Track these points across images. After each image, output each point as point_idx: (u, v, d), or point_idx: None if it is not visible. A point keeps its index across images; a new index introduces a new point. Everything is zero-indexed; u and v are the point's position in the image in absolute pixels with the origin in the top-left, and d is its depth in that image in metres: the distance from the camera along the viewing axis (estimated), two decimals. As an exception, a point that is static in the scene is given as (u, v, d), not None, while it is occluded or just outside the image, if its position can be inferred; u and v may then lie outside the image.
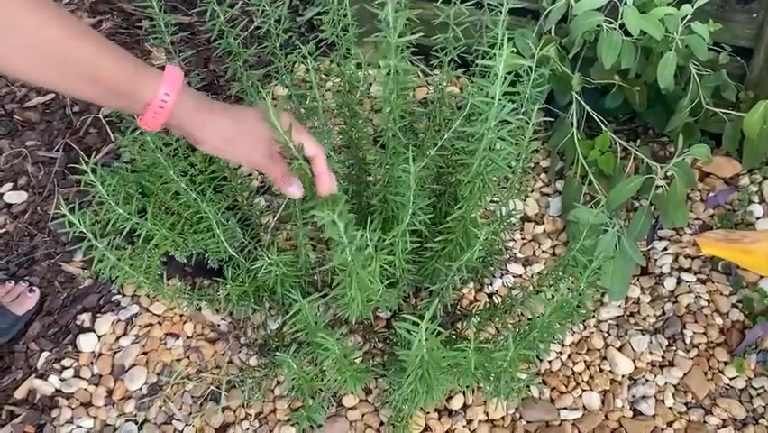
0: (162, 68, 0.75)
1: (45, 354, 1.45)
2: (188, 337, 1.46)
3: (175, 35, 1.10)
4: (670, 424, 1.30)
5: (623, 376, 1.36)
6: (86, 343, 1.45)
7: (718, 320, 1.41)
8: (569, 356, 1.39)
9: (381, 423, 1.32)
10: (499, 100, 0.80)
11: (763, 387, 1.33)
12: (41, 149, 1.81)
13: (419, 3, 1.36)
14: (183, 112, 0.77)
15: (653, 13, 1.35)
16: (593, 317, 1.43)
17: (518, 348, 0.98)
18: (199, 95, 0.79)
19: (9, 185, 1.74)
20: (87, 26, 0.72)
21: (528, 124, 1.02)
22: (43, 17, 0.65)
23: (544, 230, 1.58)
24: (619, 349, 1.39)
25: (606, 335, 1.42)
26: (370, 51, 1.11)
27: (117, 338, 1.46)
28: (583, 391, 1.35)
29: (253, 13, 1.96)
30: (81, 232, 1.01)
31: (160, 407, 1.37)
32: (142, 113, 0.75)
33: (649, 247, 1.52)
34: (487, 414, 1.32)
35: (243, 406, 1.35)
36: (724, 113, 1.47)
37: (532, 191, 1.63)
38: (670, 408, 1.32)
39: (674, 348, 1.38)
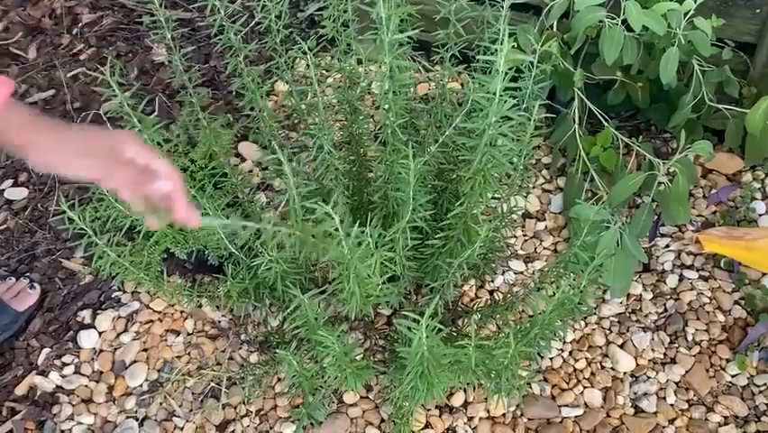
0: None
1: (46, 350, 1.45)
2: (189, 334, 1.45)
3: (175, 31, 1.10)
4: (671, 421, 1.30)
5: (624, 373, 1.36)
6: (87, 339, 1.45)
7: (720, 317, 1.40)
8: (570, 353, 1.39)
9: (382, 420, 1.32)
10: (500, 96, 0.79)
11: (765, 384, 1.32)
12: (42, 145, 1.81)
13: (420, -2, 1.34)
14: (8, 128, 0.73)
15: (656, 8, 1.34)
16: (595, 314, 1.43)
17: (519, 345, 0.98)
18: (30, 110, 0.76)
19: (9, 181, 1.74)
20: None
21: (530, 120, 1.01)
22: None
23: (546, 227, 1.57)
24: (621, 346, 1.39)
25: (607, 332, 1.41)
26: (371, 48, 1.11)
27: (118, 335, 1.46)
28: (585, 388, 1.34)
29: (254, 9, 1.96)
30: (82, 228, 1.01)
31: (161, 403, 1.37)
32: None
33: (651, 244, 1.51)
34: (488, 411, 1.32)
35: (244, 403, 1.35)
36: (726, 109, 1.47)
37: (533, 188, 1.62)
38: (671, 405, 1.31)
39: (676, 345, 1.38)
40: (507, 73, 0.78)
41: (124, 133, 0.80)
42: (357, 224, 0.86)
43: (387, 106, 0.95)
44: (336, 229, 0.83)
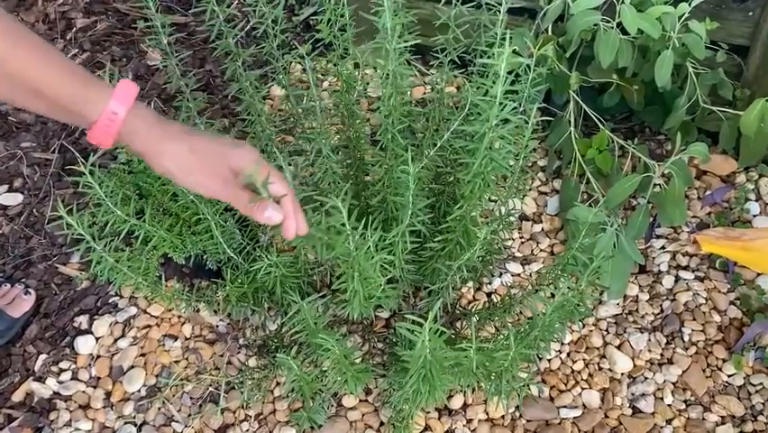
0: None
1: (42, 356, 1.44)
2: (187, 339, 1.45)
3: (171, 36, 1.10)
4: (669, 421, 1.30)
5: (622, 374, 1.36)
6: (84, 345, 1.44)
7: (716, 318, 1.41)
8: (568, 355, 1.39)
9: (381, 423, 1.32)
10: (500, 99, 0.80)
11: (761, 384, 1.33)
12: (37, 150, 1.80)
13: (416, 3, 1.36)
14: (134, 132, 0.72)
15: (651, 11, 1.35)
16: (592, 315, 1.44)
17: (519, 347, 0.98)
18: (156, 115, 0.75)
19: (4, 187, 1.73)
20: (36, 37, 0.69)
21: (527, 123, 1.02)
22: None
23: (543, 229, 1.58)
24: (618, 347, 1.39)
25: (605, 333, 1.42)
26: (367, 52, 1.11)
27: (115, 340, 1.45)
28: (583, 389, 1.35)
29: (249, 14, 1.96)
30: (79, 234, 1.00)
31: (159, 409, 1.36)
32: (92, 128, 0.72)
33: (647, 245, 1.52)
34: (487, 413, 1.32)
35: (243, 407, 1.35)
36: (721, 111, 1.48)
37: (530, 190, 1.63)
38: (669, 405, 1.32)
39: (673, 346, 1.39)
40: (506, 76, 0.79)
41: (245, 153, 0.77)
42: (362, 223, 0.87)
43: (387, 112, 0.96)
44: (343, 224, 0.83)
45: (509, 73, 0.81)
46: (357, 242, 0.86)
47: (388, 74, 0.90)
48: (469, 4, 1.03)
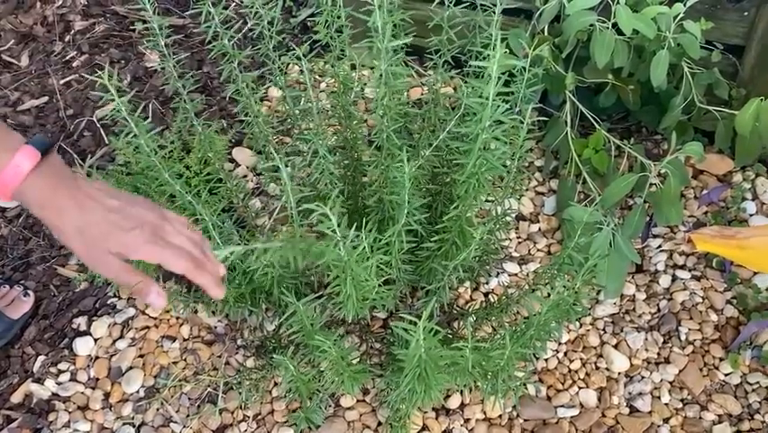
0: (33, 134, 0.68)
1: (41, 357, 1.44)
2: (185, 340, 1.45)
3: (168, 38, 1.10)
4: (666, 420, 1.31)
5: (619, 373, 1.37)
6: (83, 346, 1.45)
7: (713, 317, 1.41)
8: (565, 354, 1.40)
9: (379, 423, 1.32)
10: (493, 100, 0.80)
11: (757, 382, 1.33)
12: (35, 152, 1.80)
13: (413, 4, 1.36)
14: (32, 195, 0.67)
15: (646, 12, 1.35)
16: (589, 314, 1.44)
17: (515, 346, 0.99)
18: (58, 177, 0.69)
19: (3, 189, 1.73)
20: None
21: (522, 123, 1.02)
22: None
23: (540, 229, 1.58)
24: (615, 346, 1.40)
25: (601, 332, 1.42)
26: (364, 53, 1.11)
27: (113, 341, 1.46)
28: (580, 388, 1.35)
29: (246, 15, 1.96)
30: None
31: (158, 409, 1.37)
32: None
33: (644, 245, 1.53)
34: (484, 413, 1.33)
35: (241, 408, 1.35)
36: (716, 110, 1.48)
37: (527, 190, 1.63)
38: (666, 404, 1.32)
39: (670, 345, 1.39)
40: (499, 77, 0.79)
41: (131, 241, 0.71)
42: (353, 227, 0.87)
43: (382, 112, 0.96)
44: (333, 231, 0.83)
45: (505, 74, 0.82)
46: (347, 248, 0.86)
47: (381, 74, 0.91)
48: (462, 5, 1.03)
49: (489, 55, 0.77)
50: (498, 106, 0.81)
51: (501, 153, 0.90)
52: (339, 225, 0.83)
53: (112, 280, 0.74)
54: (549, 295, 0.99)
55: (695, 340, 1.39)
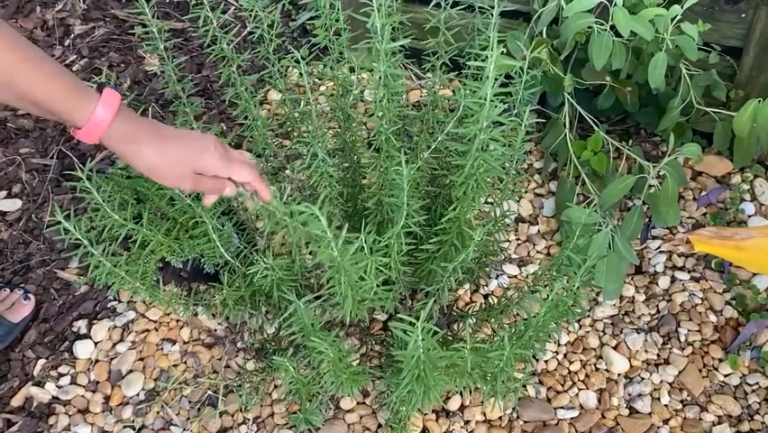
0: (101, 87, 0.79)
1: (41, 361, 1.45)
2: (185, 343, 1.46)
3: (168, 41, 1.11)
4: (666, 421, 1.31)
5: (619, 375, 1.37)
6: (83, 349, 1.45)
7: (712, 318, 1.42)
8: (565, 356, 1.40)
9: (379, 425, 1.33)
10: (491, 101, 0.81)
11: (757, 383, 1.33)
12: (35, 156, 1.81)
13: (411, 6, 1.37)
14: (115, 138, 0.81)
15: (643, 13, 1.36)
16: (588, 316, 1.44)
17: (514, 348, 0.99)
18: (133, 120, 0.82)
19: (3, 193, 1.74)
20: (26, 43, 0.73)
21: (521, 125, 1.03)
22: None
23: (539, 230, 1.58)
24: (615, 348, 1.40)
25: (601, 334, 1.42)
26: (363, 56, 1.12)
27: (114, 345, 1.46)
28: (580, 390, 1.36)
29: (246, 19, 1.97)
30: (77, 239, 1.01)
31: (158, 412, 1.37)
32: (77, 132, 0.80)
33: (643, 246, 1.53)
34: (484, 414, 1.33)
35: (241, 410, 1.35)
36: (714, 112, 1.49)
37: (526, 192, 1.64)
38: (665, 405, 1.33)
39: (669, 346, 1.39)
40: (497, 79, 0.79)
41: (204, 146, 0.87)
42: (348, 228, 0.87)
43: (380, 114, 0.97)
44: (324, 231, 0.83)
45: (503, 76, 0.82)
46: (341, 248, 0.86)
47: (380, 75, 0.91)
48: (459, 7, 1.03)
49: (486, 56, 0.78)
50: (496, 107, 0.82)
51: (499, 155, 0.91)
52: (330, 225, 0.83)
53: (191, 191, 0.96)
54: (548, 296, 0.99)
55: (694, 341, 1.39)
